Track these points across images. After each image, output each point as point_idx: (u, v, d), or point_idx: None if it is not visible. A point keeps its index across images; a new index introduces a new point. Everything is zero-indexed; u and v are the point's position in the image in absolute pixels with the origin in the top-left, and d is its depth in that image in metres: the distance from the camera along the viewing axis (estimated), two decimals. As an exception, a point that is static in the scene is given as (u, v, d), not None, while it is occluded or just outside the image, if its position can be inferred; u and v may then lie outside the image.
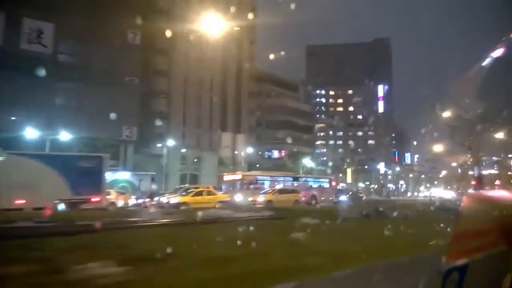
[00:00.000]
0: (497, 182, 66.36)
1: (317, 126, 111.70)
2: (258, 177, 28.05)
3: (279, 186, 26.41)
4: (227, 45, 56.67)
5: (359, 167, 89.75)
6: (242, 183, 25.87)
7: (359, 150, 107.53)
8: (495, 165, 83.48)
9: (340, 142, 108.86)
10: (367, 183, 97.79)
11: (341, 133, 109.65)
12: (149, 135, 47.59)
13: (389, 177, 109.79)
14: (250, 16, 60.46)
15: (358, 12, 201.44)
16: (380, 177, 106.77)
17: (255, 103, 63.50)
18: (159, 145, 43.34)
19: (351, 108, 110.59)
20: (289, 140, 64.97)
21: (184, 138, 50.85)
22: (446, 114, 38.78)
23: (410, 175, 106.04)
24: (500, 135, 50.13)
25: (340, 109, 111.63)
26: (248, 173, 30.54)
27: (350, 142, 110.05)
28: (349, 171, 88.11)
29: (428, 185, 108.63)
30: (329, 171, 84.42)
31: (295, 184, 28.71)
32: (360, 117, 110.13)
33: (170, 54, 49.96)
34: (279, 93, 69.98)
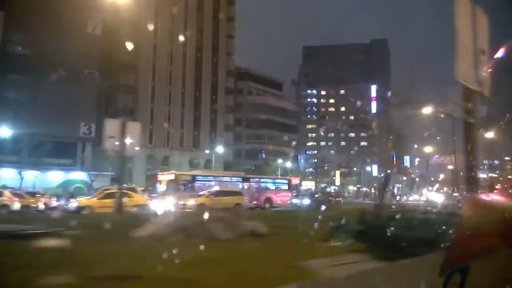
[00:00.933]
0: (498, 185, 63.64)
1: (308, 126, 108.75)
2: (197, 177, 24.67)
3: (216, 188, 23.11)
4: (202, 39, 53.62)
5: (347, 169, 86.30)
6: (175, 183, 22.51)
7: (351, 151, 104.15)
8: (497, 169, 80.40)
9: (331, 143, 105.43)
10: (358, 185, 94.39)
11: (332, 134, 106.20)
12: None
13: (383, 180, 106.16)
14: (228, 9, 57.49)
15: (356, 13, 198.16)
16: (374, 179, 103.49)
17: (233, 101, 60.40)
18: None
19: (343, 109, 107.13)
20: (271, 140, 61.91)
21: (152, 136, 47.65)
22: (427, 110, 35.26)
23: (404, 178, 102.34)
24: (490, 135, 47.03)
25: (331, 109, 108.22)
26: (184, 172, 27.10)
27: (342, 143, 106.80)
28: (337, 173, 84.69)
29: (430, 188, 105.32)
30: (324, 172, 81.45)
31: (245, 185, 25.43)
32: (352, 117, 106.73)
33: (137, 47, 46.79)
34: (262, 91, 66.74)
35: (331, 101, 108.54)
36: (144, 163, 45.66)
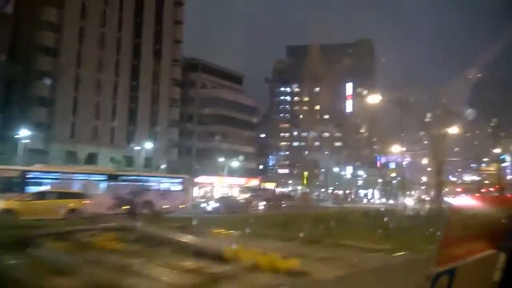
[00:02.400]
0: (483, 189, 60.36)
1: (281, 126, 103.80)
2: (30, 173, 18.96)
3: (46, 187, 17.80)
4: (141, 23, 48.23)
5: (316, 170, 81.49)
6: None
7: (325, 152, 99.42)
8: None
9: (304, 143, 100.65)
10: (331, 188, 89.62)
11: (306, 134, 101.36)
12: (24, 126, 38.86)
13: (360, 182, 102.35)
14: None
15: (340, 13, 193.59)
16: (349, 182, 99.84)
17: (184, 94, 55.21)
18: (16, 136, 34.42)
19: (317, 107, 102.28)
20: (225, 137, 56.81)
21: (75, 129, 42.13)
22: (376, 98, 30.86)
23: (379, 180, 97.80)
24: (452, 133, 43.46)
25: (305, 108, 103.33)
26: (8, 167, 21.43)
27: (316, 143, 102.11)
28: (305, 174, 79.70)
29: (410, 191, 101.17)
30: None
31: (112, 184, 20.14)
32: (327, 116, 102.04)
33: (58, 28, 41.38)
34: (218, 85, 61.50)
35: (306, 99, 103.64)
36: (62, 160, 40.01)
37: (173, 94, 51.85)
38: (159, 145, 47.89)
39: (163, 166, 46.50)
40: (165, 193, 21.20)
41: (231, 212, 23.05)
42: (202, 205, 25.71)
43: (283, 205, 37.58)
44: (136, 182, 21.22)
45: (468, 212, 1.71)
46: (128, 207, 19.01)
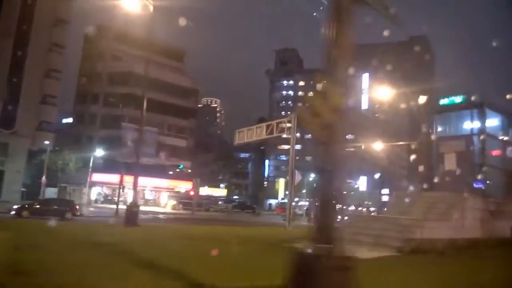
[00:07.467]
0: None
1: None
2: None
3: None
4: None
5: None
6: None
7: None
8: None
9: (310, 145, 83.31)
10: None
11: (310, 136, 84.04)
12: None
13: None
14: None
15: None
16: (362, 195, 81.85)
17: (86, 67, 43.40)
18: None
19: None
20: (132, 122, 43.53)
21: None
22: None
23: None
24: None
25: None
26: None
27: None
28: (281, 181, 63.08)
29: None
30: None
31: None
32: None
33: None
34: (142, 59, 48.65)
35: (310, 94, 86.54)
36: None
37: (53, 64, 40.16)
38: (19, 128, 36.36)
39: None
40: None
41: None
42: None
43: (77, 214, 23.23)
44: None
45: None
46: None
